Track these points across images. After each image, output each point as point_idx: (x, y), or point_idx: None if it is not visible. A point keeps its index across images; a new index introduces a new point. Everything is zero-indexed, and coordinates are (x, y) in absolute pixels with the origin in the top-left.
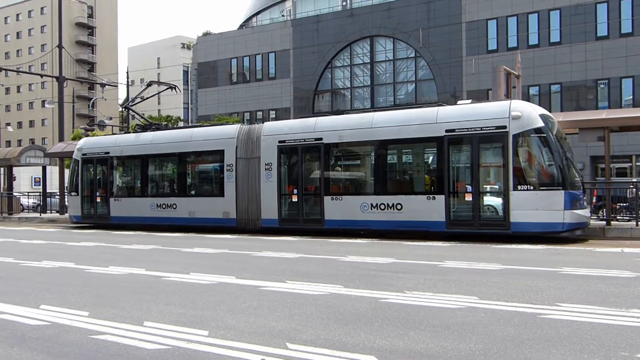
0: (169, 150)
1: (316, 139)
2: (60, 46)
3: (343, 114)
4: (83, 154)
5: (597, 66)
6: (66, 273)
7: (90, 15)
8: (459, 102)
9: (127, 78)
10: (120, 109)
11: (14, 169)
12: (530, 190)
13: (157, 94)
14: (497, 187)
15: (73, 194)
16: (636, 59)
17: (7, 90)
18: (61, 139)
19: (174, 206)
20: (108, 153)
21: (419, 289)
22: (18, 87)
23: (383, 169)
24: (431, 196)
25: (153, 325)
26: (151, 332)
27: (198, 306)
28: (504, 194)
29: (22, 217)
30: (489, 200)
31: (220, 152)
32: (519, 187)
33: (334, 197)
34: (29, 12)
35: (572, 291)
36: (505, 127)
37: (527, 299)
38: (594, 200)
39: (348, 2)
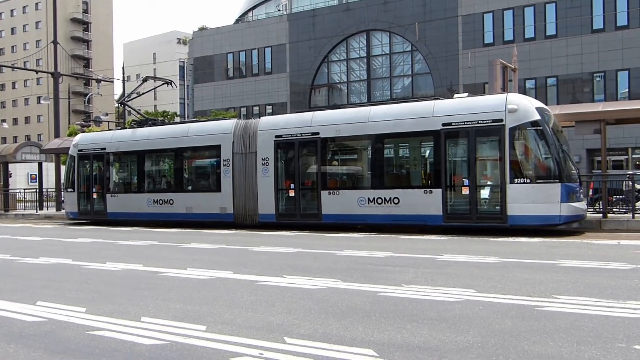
0: (166, 146)
1: (313, 134)
2: (55, 42)
3: (340, 108)
4: (79, 150)
5: (593, 59)
6: (63, 269)
7: (85, 11)
8: (455, 95)
9: (123, 74)
10: (116, 105)
11: (10, 165)
12: (527, 183)
13: (153, 89)
14: (493, 180)
15: (69, 190)
16: (632, 51)
17: (2, 86)
18: (57, 135)
19: (171, 202)
20: (104, 149)
21: (416, 282)
22: (13, 84)
23: (380, 163)
24: (428, 190)
25: (151, 321)
26: (149, 327)
27: (195, 301)
28: (501, 187)
29: (19, 213)
30: (485, 193)
31: (217, 148)
32: (516, 180)
33: (331, 191)
34: (24, 7)
35: (569, 283)
36: (501, 120)
37: (524, 291)
38: (591, 193)
39: None
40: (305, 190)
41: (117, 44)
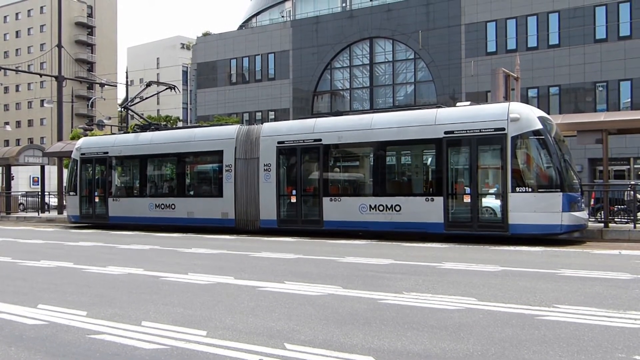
0: (168, 151)
1: (315, 140)
2: (59, 46)
3: (342, 115)
4: (82, 154)
5: (596, 69)
6: (64, 273)
7: (90, 15)
8: (457, 104)
9: (127, 78)
10: (120, 109)
11: (13, 168)
12: (529, 192)
13: (157, 94)
14: (495, 188)
15: (71, 193)
16: (634, 61)
17: (6, 89)
18: (60, 139)
19: (173, 206)
20: (107, 153)
21: (417, 290)
22: (17, 86)
23: (382, 171)
24: (430, 198)
25: (151, 325)
26: (149, 331)
27: (196, 306)
28: (503, 196)
29: (20, 216)
30: (487, 202)
31: (219, 153)
32: (518, 189)
33: (333, 198)
34: (29, 11)
35: (569, 293)
36: (503, 129)
37: (525, 300)
38: (592, 203)
39: (348, 3)
40: (307, 196)
41: (121, 48)
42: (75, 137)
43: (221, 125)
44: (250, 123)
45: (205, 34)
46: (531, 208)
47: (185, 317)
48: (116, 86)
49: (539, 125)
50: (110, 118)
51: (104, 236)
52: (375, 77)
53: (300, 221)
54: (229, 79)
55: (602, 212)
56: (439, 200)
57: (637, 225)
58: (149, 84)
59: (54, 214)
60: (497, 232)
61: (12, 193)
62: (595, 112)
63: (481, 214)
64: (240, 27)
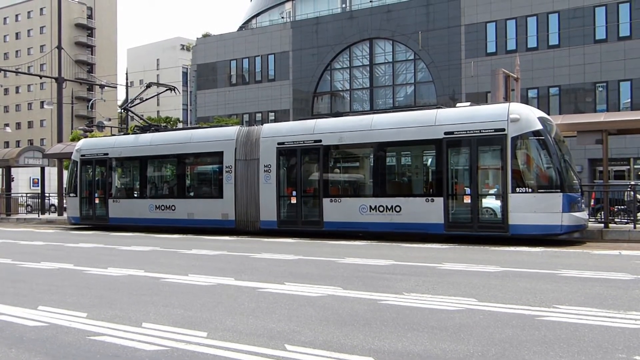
0: (168, 152)
1: (315, 141)
2: (59, 47)
3: (342, 116)
4: (82, 155)
5: (596, 69)
6: (65, 274)
7: (90, 16)
8: (457, 104)
9: (127, 79)
10: (119, 110)
11: (12, 169)
12: (529, 192)
13: (156, 95)
14: (495, 189)
15: (72, 195)
16: (634, 62)
17: (6, 91)
18: (60, 140)
19: (173, 208)
20: (107, 154)
21: (417, 290)
22: (17, 88)
23: (382, 171)
24: (430, 198)
25: (152, 327)
26: (150, 333)
27: (197, 308)
28: (503, 197)
29: (21, 218)
30: (487, 202)
31: (219, 154)
32: (518, 189)
33: (333, 199)
34: (29, 12)
35: (570, 293)
36: (503, 129)
37: (525, 301)
38: (592, 203)
39: (347, 4)
40: (307, 197)
41: (121, 49)
42: (75, 139)
43: (221, 126)
44: (250, 124)
45: (205, 35)
46: (531, 208)
47: (186, 318)
48: (116, 87)
49: (539, 126)
50: (110, 119)
51: (104, 237)
52: (375, 78)
53: (301, 222)
54: (228, 80)
55: (602, 212)
56: (439, 201)
57: (637, 225)
58: (148, 86)
59: (54, 215)
60: (497, 233)
61: (13, 195)
62: (595, 112)
63: (481, 215)
64: (240, 28)
